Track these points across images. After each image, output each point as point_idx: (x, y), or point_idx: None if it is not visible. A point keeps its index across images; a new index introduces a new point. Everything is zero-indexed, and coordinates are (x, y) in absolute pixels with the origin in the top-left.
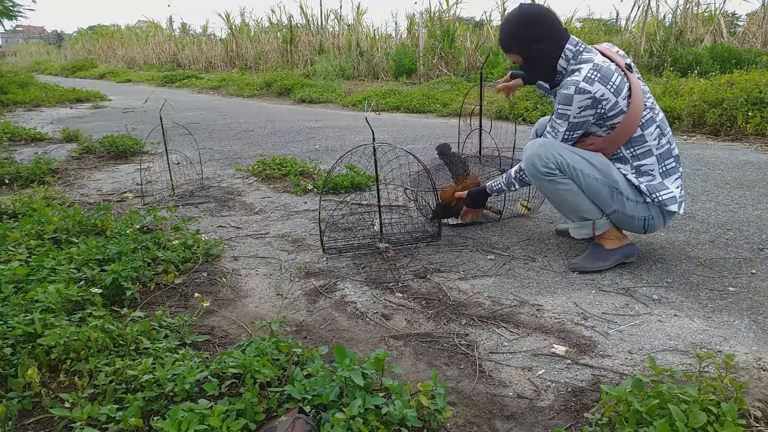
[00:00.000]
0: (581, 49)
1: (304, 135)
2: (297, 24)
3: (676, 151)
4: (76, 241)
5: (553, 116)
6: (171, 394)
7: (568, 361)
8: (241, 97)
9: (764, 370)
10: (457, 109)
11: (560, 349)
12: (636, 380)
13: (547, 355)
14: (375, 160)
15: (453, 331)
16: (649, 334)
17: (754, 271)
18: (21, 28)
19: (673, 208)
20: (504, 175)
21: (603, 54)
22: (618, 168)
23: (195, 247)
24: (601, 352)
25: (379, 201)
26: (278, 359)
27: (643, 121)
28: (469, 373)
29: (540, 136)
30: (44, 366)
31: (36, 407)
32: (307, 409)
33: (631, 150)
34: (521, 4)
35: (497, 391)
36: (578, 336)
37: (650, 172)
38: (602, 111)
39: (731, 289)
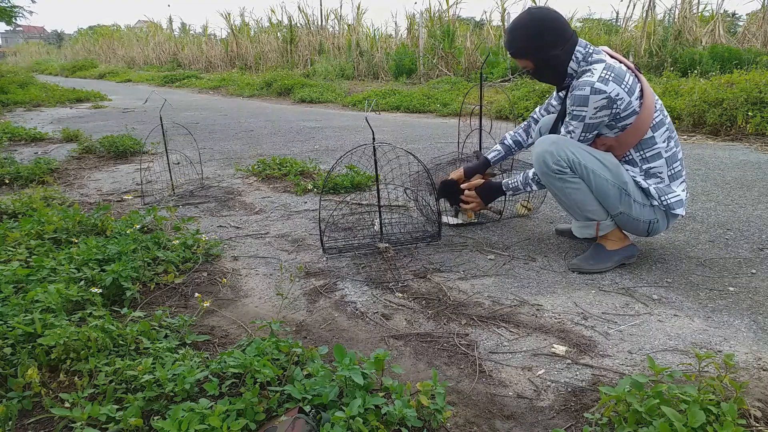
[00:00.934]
0: (590, 51)
1: (304, 135)
2: (297, 24)
3: (681, 154)
4: (76, 241)
5: (567, 118)
6: (171, 394)
7: (568, 361)
8: (241, 97)
9: (764, 370)
10: (456, 109)
11: (560, 349)
12: (634, 380)
13: (547, 355)
14: (375, 160)
15: (453, 331)
16: (649, 334)
17: (754, 271)
18: (21, 28)
19: (680, 211)
20: (521, 175)
21: (612, 56)
22: (627, 170)
23: (195, 247)
24: (601, 352)
25: (379, 201)
26: (278, 359)
27: (655, 122)
28: (469, 373)
29: (558, 120)
30: (44, 366)
31: (36, 407)
32: (307, 408)
33: (641, 153)
34: (530, 9)
35: (497, 391)
36: (578, 336)
37: (659, 175)
38: (617, 111)
39: (731, 289)
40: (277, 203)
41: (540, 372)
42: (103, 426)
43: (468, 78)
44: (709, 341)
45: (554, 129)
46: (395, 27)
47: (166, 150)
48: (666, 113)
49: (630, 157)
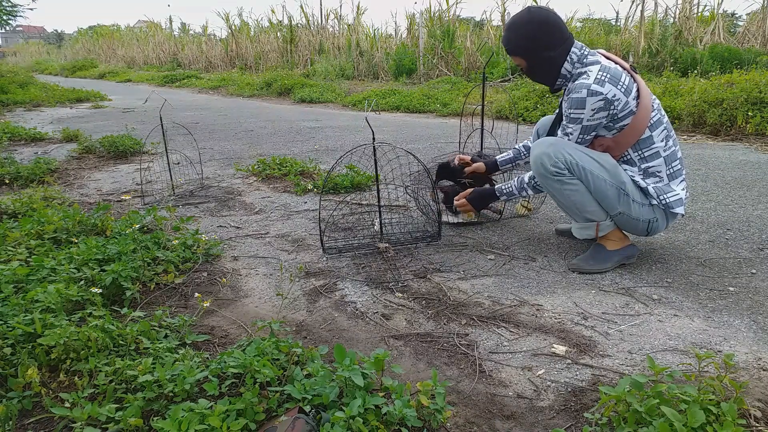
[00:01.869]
0: (585, 52)
1: (304, 135)
2: (297, 24)
3: (680, 153)
4: (76, 241)
5: (565, 122)
6: (171, 394)
7: (568, 361)
8: (241, 97)
9: (764, 370)
10: (456, 109)
11: (560, 349)
12: (634, 380)
13: (547, 355)
14: (375, 160)
15: (453, 331)
16: (649, 334)
17: (754, 271)
18: (21, 28)
19: (680, 210)
20: (516, 180)
21: (607, 58)
22: (625, 170)
23: (195, 247)
24: (601, 352)
25: (379, 201)
26: (278, 359)
27: (652, 122)
28: (469, 372)
29: (541, 137)
30: (44, 366)
31: (36, 407)
32: (307, 408)
33: (639, 152)
34: (530, 8)
35: (497, 391)
36: (578, 336)
37: (657, 174)
38: (614, 112)
39: (731, 289)
40: (277, 203)
41: (540, 372)
42: (103, 426)
43: (468, 78)
44: (709, 341)
45: (552, 131)
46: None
47: (166, 150)
48: (663, 113)
49: (628, 156)
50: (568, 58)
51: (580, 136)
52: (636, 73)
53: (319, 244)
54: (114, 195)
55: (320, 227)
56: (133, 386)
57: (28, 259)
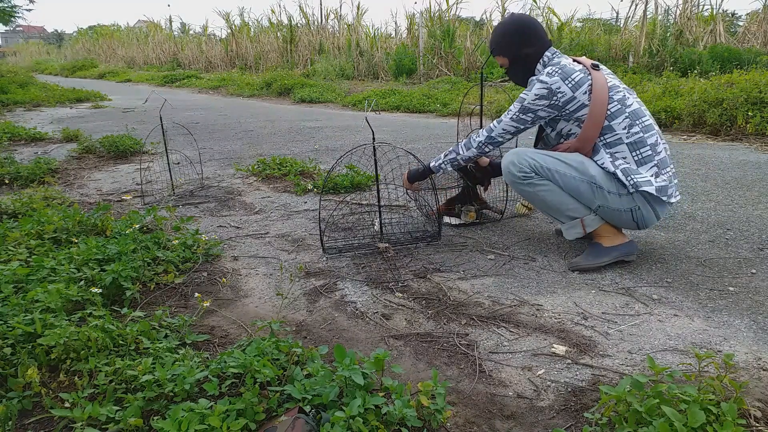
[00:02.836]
0: (555, 56)
1: (304, 135)
2: (297, 24)
3: (653, 140)
4: (76, 241)
5: (513, 102)
6: (171, 394)
7: (568, 361)
8: (241, 97)
9: (764, 370)
10: (456, 109)
11: (560, 349)
12: (634, 380)
13: (547, 355)
14: (375, 160)
15: (453, 331)
16: (649, 334)
17: (754, 271)
18: (21, 28)
19: (649, 189)
20: (445, 153)
21: (575, 60)
22: (595, 160)
23: (195, 247)
24: (601, 352)
25: (379, 201)
26: (278, 359)
27: (609, 112)
28: (469, 372)
29: (538, 138)
30: (44, 366)
31: (36, 407)
32: (307, 408)
33: (602, 138)
34: (513, 13)
35: (497, 390)
36: (578, 336)
37: (624, 159)
38: (557, 103)
39: (731, 289)
40: (277, 203)
41: (540, 372)
42: (103, 426)
43: (468, 78)
44: (709, 341)
45: (537, 142)
46: (395, 27)
47: (166, 150)
48: (628, 103)
49: (595, 146)
50: (541, 60)
51: (518, 113)
52: (597, 69)
53: (319, 244)
54: (114, 195)
55: (320, 227)
56: (133, 386)
57: (28, 259)
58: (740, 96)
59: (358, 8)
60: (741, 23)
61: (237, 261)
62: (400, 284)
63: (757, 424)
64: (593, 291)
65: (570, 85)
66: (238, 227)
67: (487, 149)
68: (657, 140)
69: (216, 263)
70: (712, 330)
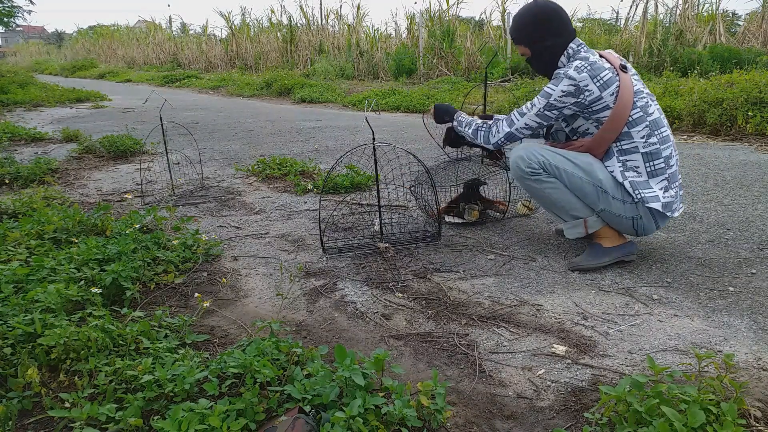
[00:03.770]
0: (581, 49)
1: (304, 135)
2: (297, 24)
3: (668, 152)
4: (76, 241)
5: (538, 95)
6: (171, 394)
7: (568, 361)
8: (241, 97)
9: (764, 370)
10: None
11: (560, 349)
12: (634, 380)
13: (547, 355)
14: (375, 160)
15: (453, 331)
16: (649, 334)
17: (754, 271)
18: (21, 28)
19: (656, 206)
20: (470, 119)
21: (601, 56)
22: (606, 165)
23: (195, 247)
24: (601, 352)
25: (379, 201)
26: (278, 359)
27: (631, 119)
28: (469, 373)
29: (543, 136)
30: (44, 366)
31: (36, 407)
32: (307, 408)
33: (618, 143)
34: (538, 0)
35: (497, 391)
36: (578, 336)
37: (635, 169)
38: (583, 101)
39: (731, 289)
40: (277, 203)
41: (540, 372)
42: (103, 426)
43: (468, 78)
44: (709, 341)
45: (547, 134)
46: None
47: (166, 150)
48: (650, 111)
49: (608, 149)
50: (565, 51)
51: (542, 110)
52: (626, 72)
53: (319, 244)
54: (114, 195)
55: (320, 227)
56: (133, 386)
57: (28, 259)
58: (740, 96)
59: (358, 8)
60: (741, 23)
61: (237, 261)
62: (400, 284)
63: (757, 424)
64: (593, 291)
65: (598, 84)
66: (238, 227)
67: (506, 145)
68: (671, 152)
69: (216, 263)
70: (712, 330)
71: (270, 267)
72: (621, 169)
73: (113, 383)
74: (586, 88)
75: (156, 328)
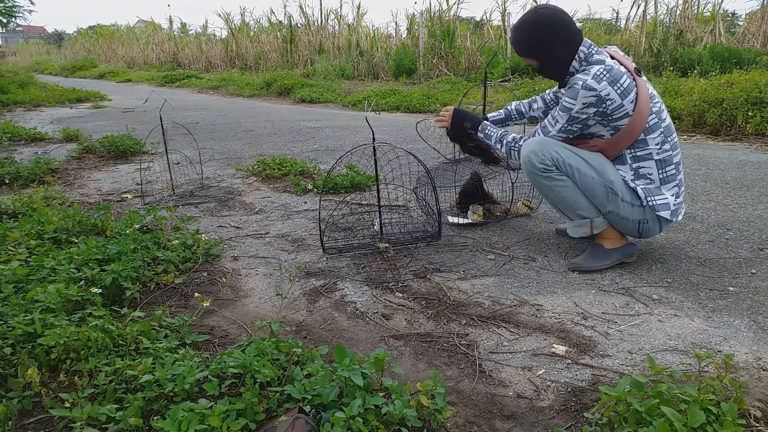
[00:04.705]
0: (593, 51)
1: (304, 135)
2: (297, 24)
3: (677, 158)
4: (76, 241)
5: (557, 108)
6: (171, 394)
7: (568, 361)
8: (241, 97)
9: (764, 370)
10: None
11: (560, 349)
12: (634, 380)
13: (547, 355)
14: (375, 160)
15: (453, 331)
16: (649, 334)
17: (754, 271)
18: (21, 28)
19: (665, 214)
20: (501, 131)
21: (613, 57)
22: (618, 169)
23: (195, 247)
24: (601, 352)
25: (379, 201)
26: (278, 359)
27: (648, 126)
28: (469, 372)
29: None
30: (44, 366)
31: (36, 407)
32: (307, 408)
33: (632, 150)
34: (537, 7)
35: (497, 391)
36: (578, 336)
37: (648, 176)
38: (605, 110)
39: (731, 289)
40: (277, 203)
41: (540, 372)
42: (103, 426)
43: (468, 78)
44: (709, 341)
45: None
46: (395, 27)
47: (166, 150)
48: (664, 117)
49: (621, 155)
50: (576, 56)
51: (566, 124)
52: (640, 76)
53: (319, 244)
54: (114, 195)
55: (320, 227)
56: (133, 386)
57: (28, 259)
58: (740, 96)
59: (358, 8)
60: (741, 23)
61: (237, 261)
62: (400, 284)
63: (757, 424)
64: (593, 291)
65: (619, 92)
66: (238, 227)
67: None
68: (680, 158)
69: (216, 263)
70: (712, 330)
71: (270, 267)
72: (632, 176)
73: (113, 383)
74: (608, 97)
75: (156, 328)
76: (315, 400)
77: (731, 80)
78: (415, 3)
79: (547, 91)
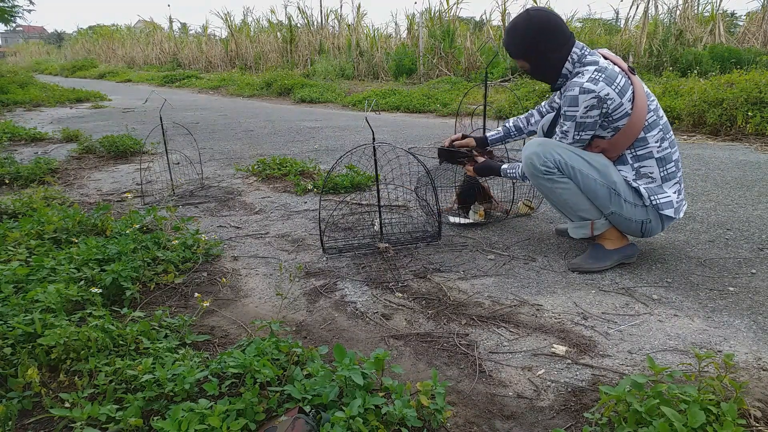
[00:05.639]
0: (585, 52)
1: (304, 135)
2: (297, 24)
3: (676, 155)
4: (76, 241)
5: (561, 119)
6: (171, 394)
7: (568, 361)
8: (241, 97)
9: (764, 370)
10: (456, 109)
11: (560, 349)
12: (634, 380)
13: (547, 355)
14: (375, 160)
15: (453, 331)
16: (649, 334)
17: (754, 271)
18: (21, 28)
19: (669, 212)
20: (519, 167)
21: (606, 57)
22: (619, 170)
23: (195, 247)
24: (601, 352)
25: (379, 201)
26: (278, 359)
27: (647, 123)
28: (469, 372)
29: (546, 133)
30: (44, 366)
31: (36, 407)
32: (307, 408)
33: (633, 150)
34: (529, 10)
35: (497, 391)
36: (578, 336)
37: (650, 175)
38: (606, 111)
39: (731, 289)
40: (277, 203)
41: (540, 372)
42: (103, 426)
43: (468, 78)
44: (709, 341)
45: (552, 127)
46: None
47: (166, 150)
48: (661, 114)
49: (622, 155)
50: (569, 58)
51: (576, 133)
52: (634, 74)
53: (319, 244)
54: (114, 195)
55: (320, 227)
56: (133, 386)
57: (28, 259)
58: (740, 96)
59: (358, 8)
60: (740, 23)
61: (237, 261)
62: (400, 284)
63: (757, 424)
64: (593, 291)
65: (617, 91)
66: (238, 227)
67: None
68: (679, 156)
69: (216, 263)
70: (712, 330)
71: (270, 267)
72: (634, 176)
73: (113, 383)
74: (607, 97)
75: (156, 328)
76: (315, 400)
77: (731, 80)
78: (415, 3)
79: (543, 104)
